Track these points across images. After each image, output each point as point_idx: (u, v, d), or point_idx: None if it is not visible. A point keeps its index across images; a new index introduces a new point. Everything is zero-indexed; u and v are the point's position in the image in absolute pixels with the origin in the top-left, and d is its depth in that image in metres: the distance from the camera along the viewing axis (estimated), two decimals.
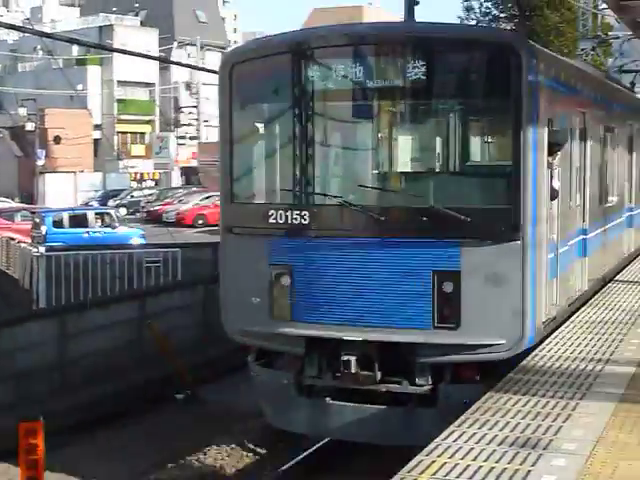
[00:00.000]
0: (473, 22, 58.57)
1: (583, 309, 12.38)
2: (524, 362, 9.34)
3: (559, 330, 10.98)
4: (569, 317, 11.95)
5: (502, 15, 58.76)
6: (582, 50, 42.34)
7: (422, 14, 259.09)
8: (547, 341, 10.37)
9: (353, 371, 10.57)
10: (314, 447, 12.52)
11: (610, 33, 45.44)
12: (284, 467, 12.08)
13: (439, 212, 10.28)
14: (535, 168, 10.46)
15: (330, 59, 10.93)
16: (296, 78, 11.03)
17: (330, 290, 10.75)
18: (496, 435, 6.96)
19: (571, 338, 10.52)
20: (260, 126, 11.93)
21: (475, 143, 11.86)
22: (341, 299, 10.68)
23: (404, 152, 11.62)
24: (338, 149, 11.69)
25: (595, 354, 9.65)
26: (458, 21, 58.25)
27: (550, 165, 11.22)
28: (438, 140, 11.40)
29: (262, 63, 11.34)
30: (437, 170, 11.44)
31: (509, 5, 58.54)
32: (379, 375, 10.65)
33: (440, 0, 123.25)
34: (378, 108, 11.36)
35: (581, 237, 13.12)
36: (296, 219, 10.90)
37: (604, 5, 30.77)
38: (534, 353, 9.74)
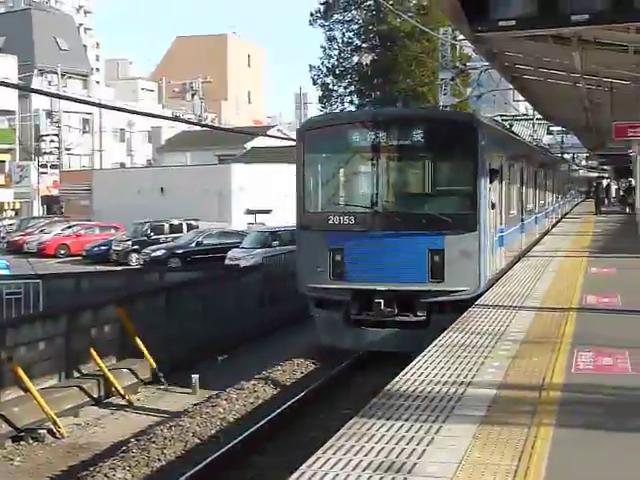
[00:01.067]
0: (336, 51, 59.36)
1: (445, 333, 12.61)
2: (389, 386, 9.43)
3: (422, 354, 11.16)
4: (497, 280, 18.66)
5: (364, 45, 59.67)
6: (442, 80, 43.16)
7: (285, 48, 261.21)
8: (411, 365, 10.52)
9: (382, 309, 17.62)
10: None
11: (469, 64, 46.43)
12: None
13: (432, 216, 17.79)
14: (484, 190, 18.04)
15: (366, 129, 18.22)
16: (345, 139, 18.34)
17: (368, 261, 17.77)
18: (361, 460, 6.98)
19: (434, 362, 10.69)
20: (321, 167, 19.03)
21: (452, 176, 19.09)
22: (374, 267, 17.69)
23: (412, 181, 19.50)
24: (372, 180, 18.32)
25: (457, 377, 9.81)
26: (321, 51, 59.10)
27: (489, 188, 18.61)
28: (431, 175, 18.62)
29: (322, 130, 18.81)
30: (430, 192, 18.66)
31: (371, 35, 59.48)
32: (396, 311, 17.73)
33: (305, 31, 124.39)
34: (396, 156, 18.50)
35: (500, 233, 20.16)
36: (346, 221, 18.06)
37: (462, 36, 31.48)
38: (398, 377, 9.85)
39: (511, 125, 42.06)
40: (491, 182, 18.65)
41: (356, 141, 18.22)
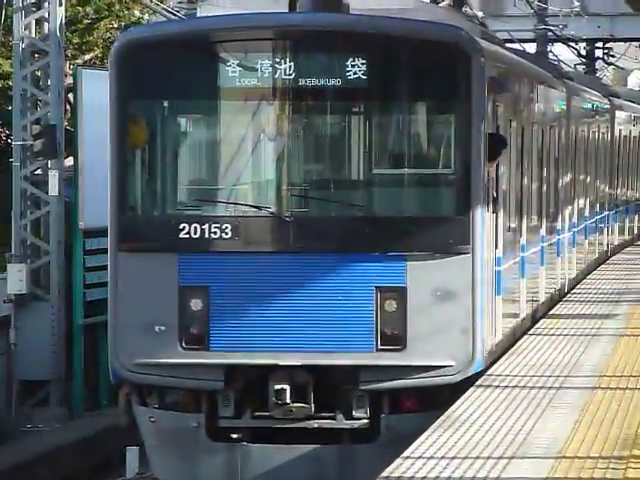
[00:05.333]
0: None
1: None
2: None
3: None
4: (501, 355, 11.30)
5: None
6: None
7: None
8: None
9: (285, 403, 9.50)
10: None
11: None
12: None
13: (384, 222, 10.21)
14: (482, 176, 10.30)
15: (254, 52, 10.03)
16: (211, 71, 10.08)
17: (257, 312, 9.70)
18: None
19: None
20: (161, 126, 10.50)
21: (424, 149, 11.02)
22: (270, 322, 9.71)
23: (346, 159, 10.89)
24: (267, 154, 10.31)
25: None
26: None
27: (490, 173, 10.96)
28: (383, 147, 10.83)
29: (161, 51, 10.13)
30: (380, 179, 10.81)
31: None
32: (313, 408, 9.70)
33: None
34: (316, 110, 10.51)
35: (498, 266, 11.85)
36: (215, 232, 9.78)
37: None
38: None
39: None
40: (491, 161, 10.71)
41: (234, 75, 10.09)
